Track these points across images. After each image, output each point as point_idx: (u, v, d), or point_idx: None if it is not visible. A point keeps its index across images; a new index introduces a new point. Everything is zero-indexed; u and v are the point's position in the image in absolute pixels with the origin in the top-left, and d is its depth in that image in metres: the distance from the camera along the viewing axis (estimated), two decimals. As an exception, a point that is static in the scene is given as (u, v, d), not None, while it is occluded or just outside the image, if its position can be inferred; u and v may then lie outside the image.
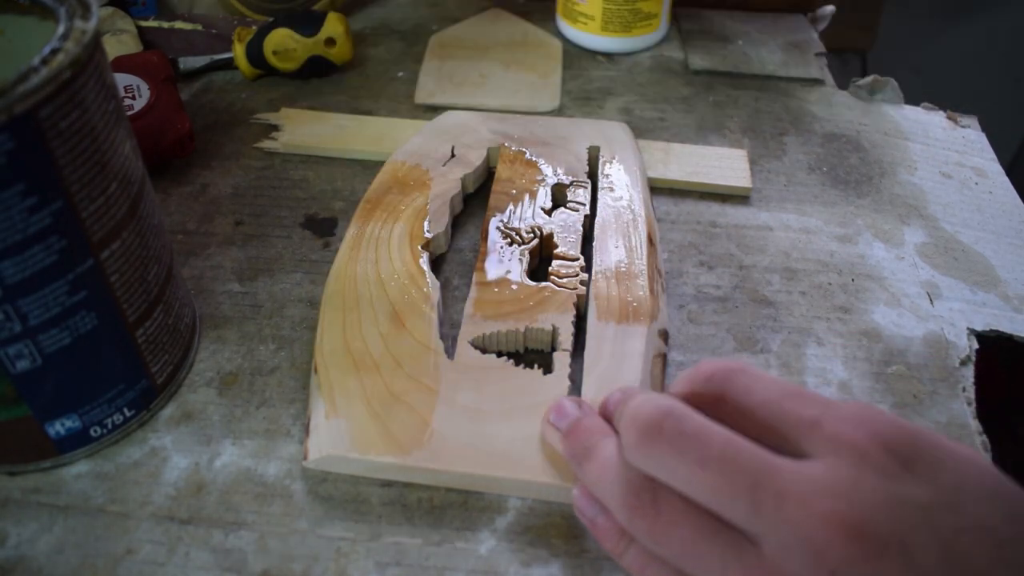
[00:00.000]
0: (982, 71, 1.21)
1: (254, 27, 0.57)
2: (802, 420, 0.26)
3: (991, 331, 0.41)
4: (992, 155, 0.53)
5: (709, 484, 0.25)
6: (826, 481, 0.24)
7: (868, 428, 0.25)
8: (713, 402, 0.27)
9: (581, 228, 0.43)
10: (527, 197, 0.44)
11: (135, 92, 0.48)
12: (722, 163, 0.50)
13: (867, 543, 0.23)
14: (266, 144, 0.51)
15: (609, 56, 0.61)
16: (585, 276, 0.40)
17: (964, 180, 0.51)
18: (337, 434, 0.33)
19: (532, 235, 0.42)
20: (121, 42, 0.56)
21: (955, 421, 0.37)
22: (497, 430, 0.33)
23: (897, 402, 0.37)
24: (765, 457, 0.25)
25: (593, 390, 0.35)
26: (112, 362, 0.33)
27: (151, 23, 0.59)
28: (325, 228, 0.46)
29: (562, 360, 0.36)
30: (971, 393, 0.38)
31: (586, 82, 0.58)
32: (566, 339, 0.37)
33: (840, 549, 0.23)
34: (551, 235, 0.42)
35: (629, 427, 0.27)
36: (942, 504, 0.23)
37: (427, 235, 0.42)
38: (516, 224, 0.43)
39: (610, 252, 0.41)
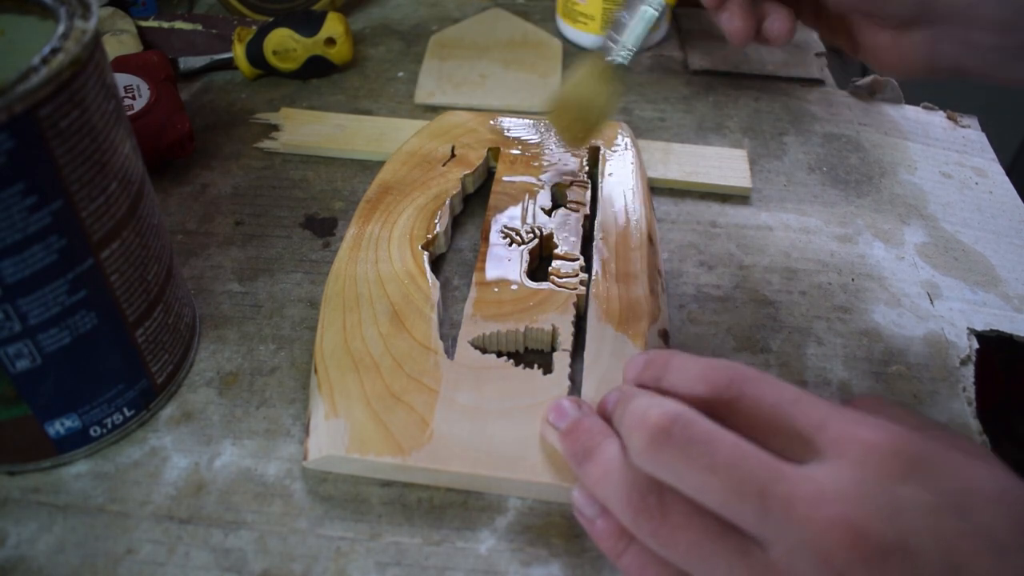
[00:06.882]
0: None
1: (254, 27, 0.57)
2: (809, 423, 0.26)
3: (991, 331, 0.41)
4: (992, 155, 0.53)
5: (718, 489, 0.25)
6: (831, 484, 0.24)
7: (873, 431, 0.25)
8: (722, 406, 0.27)
9: (581, 228, 0.43)
10: (527, 197, 0.44)
11: (135, 92, 0.48)
12: (722, 163, 0.50)
13: (871, 547, 0.23)
14: (266, 144, 0.51)
15: (609, 56, 0.61)
16: (585, 276, 0.40)
17: (964, 180, 0.51)
18: (337, 434, 0.33)
19: (532, 235, 0.42)
20: (121, 42, 0.56)
21: (955, 421, 0.37)
22: (497, 430, 0.33)
23: (897, 402, 0.37)
24: (772, 462, 0.25)
25: (593, 390, 0.35)
26: (112, 362, 0.33)
27: (151, 23, 0.59)
28: (325, 228, 0.46)
29: (562, 360, 0.36)
30: (971, 393, 0.38)
31: (586, 82, 0.58)
32: (566, 339, 0.37)
33: (845, 553, 0.23)
34: (551, 235, 0.42)
35: (636, 431, 0.27)
36: (946, 507, 0.23)
37: (427, 235, 0.42)
38: (516, 224, 0.43)
39: (610, 252, 0.41)
